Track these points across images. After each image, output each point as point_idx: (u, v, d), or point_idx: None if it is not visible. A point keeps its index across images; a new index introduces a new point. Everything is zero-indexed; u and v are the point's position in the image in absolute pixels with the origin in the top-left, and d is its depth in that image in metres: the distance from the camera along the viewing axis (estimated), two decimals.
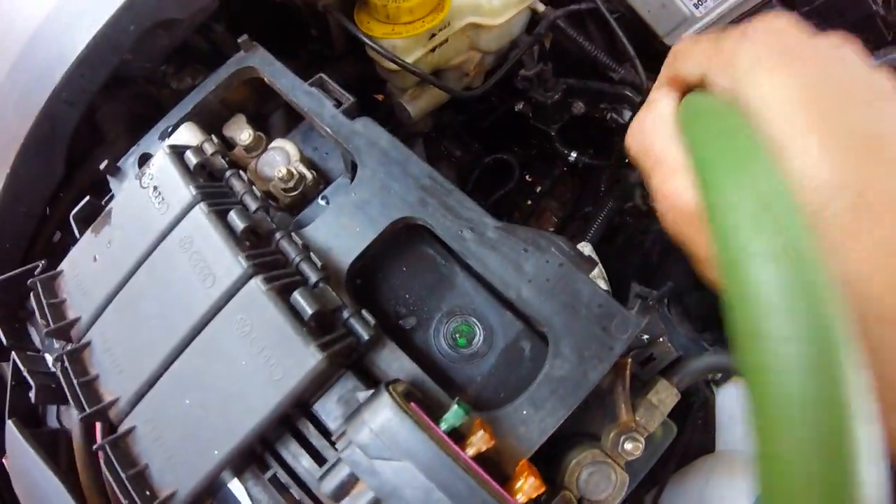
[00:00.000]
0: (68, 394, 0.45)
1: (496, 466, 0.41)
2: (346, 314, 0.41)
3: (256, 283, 0.39)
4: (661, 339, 0.67)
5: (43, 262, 0.56)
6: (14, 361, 0.53)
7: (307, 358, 0.37)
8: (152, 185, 0.46)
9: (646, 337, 0.62)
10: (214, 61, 0.73)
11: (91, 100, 0.56)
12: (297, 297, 0.39)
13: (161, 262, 0.44)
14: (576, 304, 0.44)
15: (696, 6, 0.61)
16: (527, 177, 0.92)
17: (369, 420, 0.35)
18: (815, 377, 0.19)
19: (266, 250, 0.42)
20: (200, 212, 0.43)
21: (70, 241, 0.64)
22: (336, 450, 0.43)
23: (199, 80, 0.71)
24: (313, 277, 0.41)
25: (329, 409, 0.41)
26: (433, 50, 0.70)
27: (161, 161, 0.46)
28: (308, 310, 0.38)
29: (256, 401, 0.38)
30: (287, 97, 0.53)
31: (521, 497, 0.37)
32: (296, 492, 0.43)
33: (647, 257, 0.72)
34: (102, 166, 0.55)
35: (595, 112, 0.74)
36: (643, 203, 0.72)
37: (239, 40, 0.56)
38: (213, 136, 0.50)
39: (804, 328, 0.20)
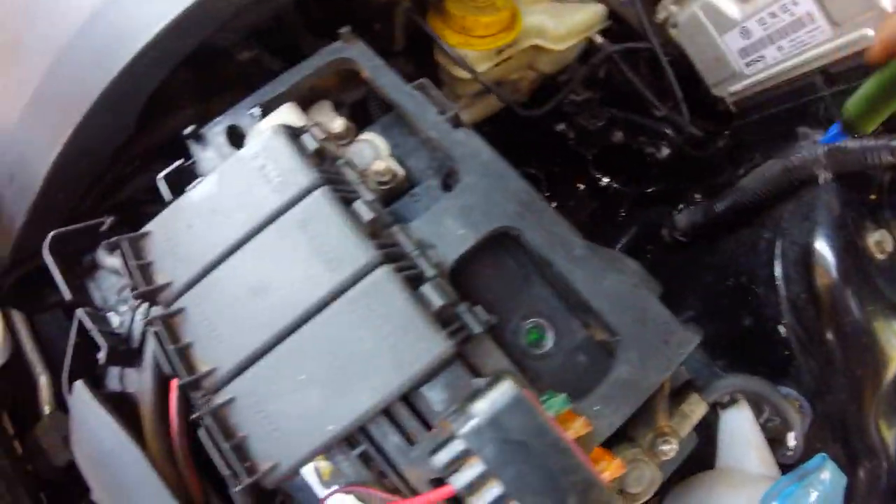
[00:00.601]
0: (162, 360, 0.48)
1: None
2: (461, 308, 0.47)
3: (385, 272, 0.45)
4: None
5: (111, 218, 0.58)
6: (80, 321, 0.54)
7: (436, 345, 0.43)
8: (265, 162, 0.51)
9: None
10: (274, 41, 0.78)
11: (176, 64, 0.59)
12: (428, 288, 0.44)
13: (275, 240, 0.48)
14: (644, 319, 0.52)
15: (747, 65, 0.72)
16: (548, 194, 1.02)
17: (492, 401, 0.42)
18: None
19: (387, 241, 0.48)
20: (324, 196, 0.48)
21: (120, 204, 0.67)
22: (428, 430, 0.50)
23: (254, 54, 0.75)
24: (430, 272, 0.47)
25: (436, 392, 0.46)
26: (497, 65, 0.78)
27: (276, 140, 0.51)
28: (437, 301, 0.44)
29: (380, 381, 0.43)
30: (387, 96, 0.58)
31: (607, 475, 0.45)
32: (383, 468, 0.49)
33: (666, 286, 0.83)
34: (188, 131, 0.57)
35: (633, 143, 0.85)
36: (668, 235, 0.83)
37: (340, 31, 0.61)
38: (318, 123, 0.55)
39: None
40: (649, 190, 0.93)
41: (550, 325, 0.56)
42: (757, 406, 0.74)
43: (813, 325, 0.67)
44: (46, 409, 0.73)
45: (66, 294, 0.54)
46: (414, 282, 0.46)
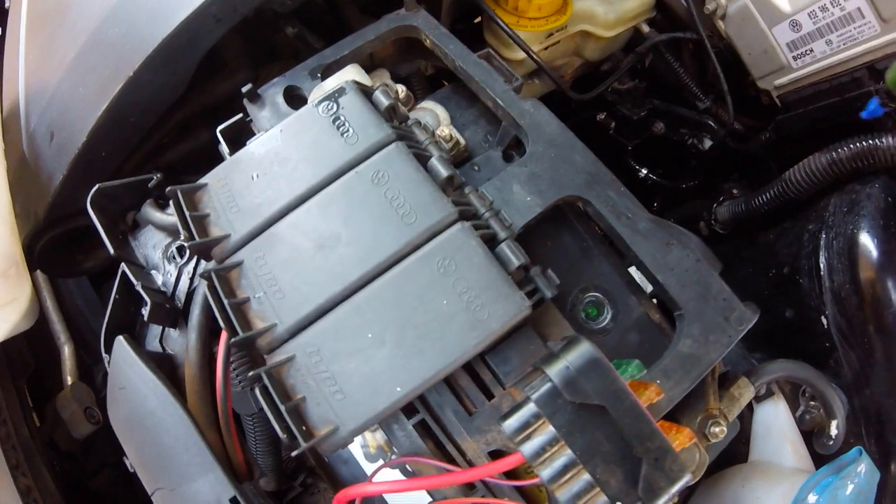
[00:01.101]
0: (218, 315, 0.46)
1: None
2: (533, 271, 0.47)
3: (463, 229, 0.44)
4: None
5: (159, 174, 0.57)
6: (123, 275, 0.53)
7: (514, 304, 0.42)
8: (337, 115, 0.50)
9: None
10: (318, 20, 0.77)
11: (237, 22, 0.58)
12: (505, 248, 0.44)
13: (346, 192, 0.46)
14: (707, 294, 0.52)
15: (795, 59, 0.73)
16: None
17: (570, 362, 0.41)
18: None
19: (461, 197, 0.48)
20: (399, 150, 0.46)
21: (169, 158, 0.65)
22: (489, 398, 0.49)
23: (296, 30, 0.75)
24: (503, 233, 0.47)
25: (506, 356, 0.46)
26: (546, 48, 0.78)
27: (350, 95, 0.50)
28: (515, 261, 0.43)
29: (455, 339, 0.42)
30: (453, 64, 0.58)
31: (678, 444, 0.44)
32: (441, 438, 0.48)
33: None
34: (245, 89, 0.57)
35: (674, 135, 0.85)
36: (706, 227, 0.83)
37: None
38: (387, 83, 0.54)
39: None
40: (684, 185, 0.94)
41: (609, 301, 0.56)
42: (793, 400, 0.74)
43: (855, 317, 0.67)
44: (69, 380, 0.71)
45: (111, 249, 0.52)
46: (489, 241, 0.45)
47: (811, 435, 0.71)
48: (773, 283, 0.73)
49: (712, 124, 0.80)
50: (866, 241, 0.67)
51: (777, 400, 0.74)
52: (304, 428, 0.42)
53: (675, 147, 0.85)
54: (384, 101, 0.50)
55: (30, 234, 0.61)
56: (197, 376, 0.50)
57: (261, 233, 0.48)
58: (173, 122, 0.63)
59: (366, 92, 0.51)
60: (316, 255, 0.46)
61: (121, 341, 0.49)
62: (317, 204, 0.48)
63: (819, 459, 0.71)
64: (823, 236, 0.69)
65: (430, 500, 0.48)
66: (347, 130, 0.48)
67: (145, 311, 0.51)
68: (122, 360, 0.49)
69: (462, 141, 0.57)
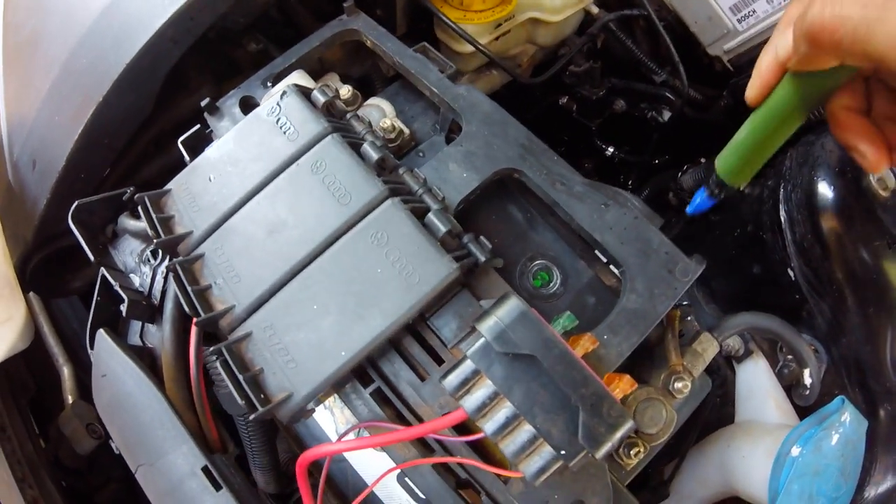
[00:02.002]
0: (182, 300, 0.51)
1: None
2: (465, 238, 0.50)
3: (393, 203, 0.48)
4: (688, 318, 0.80)
5: (131, 188, 0.62)
6: (103, 277, 0.59)
7: (443, 267, 0.46)
8: (279, 116, 0.55)
9: (687, 302, 0.74)
10: (281, 32, 0.83)
11: (192, 42, 0.64)
12: (432, 217, 0.48)
13: (290, 183, 0.52)
14: (648, 249, 0.55)
15: (739, 21, 0.76)
16: None
17: (499, 315, 0.44)
18: None
19: (394, 177, 0.52)
20: (333, 140, 0.51)
21: (145, 174, 0.71)
22: (439, 364, 0.52)
23: (260, 46, 0.81)
24: (435, 206, 0.51)
25: (446, 320, 0.49)
26: (496, 39, 0.82)
27: (289, 96, 0.55)
28: (441, 228, 0.48)
29: (391, 304, 0.46)
30: (391, 59, 0.63)
31: (618, 392, 0.47)
32: (397, 405, 0.52)
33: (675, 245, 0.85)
34: (203, 103, 0.62)
35: (635, 111, 0.88)
36: (675, 197, 0.85)
37: (345, 4, 0.65)
38: (326, 84, 0.59)
39: None
40: (656, 161, 0.96)
41: (557, 267, 0.59)
42: (772, 356, 0.75)
43: (821, 267, 0.68)
44: (69, 399, 0.76)
45: (91, 255, 0.58)
46: (422, 214, 0.49)
47: (793, 388, 0.72)
48: (739, 242, 0.75)
49: (669, 96, 0.83)
50: (824, 189, 0.69)
51: (757, 358, 0.76)
52: (262, 396, 0.47)
53: (637, 123, 0.87)
54: (321, 99, 0.55)
55: (20, 257, 0.68)
56: (172, 363, 0.55)
57: (219, 227, 0.54)
58: (145, 141, 0.70)
59: (305, 93, 0.55)
60: (266, 240, 0.51)
61: (101, 333, 0.55)
62: (265, 196, 0.53)
63: (804, 414, 0.72)
64: (782, 190, 0.71)
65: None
66: (289, 129, 0.53)
67: (124, 308, 0.56)
68: (103, 349, 0.55)
69: (406, 130, 0.62)
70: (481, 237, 0.51)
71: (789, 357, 0.73)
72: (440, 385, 0.52)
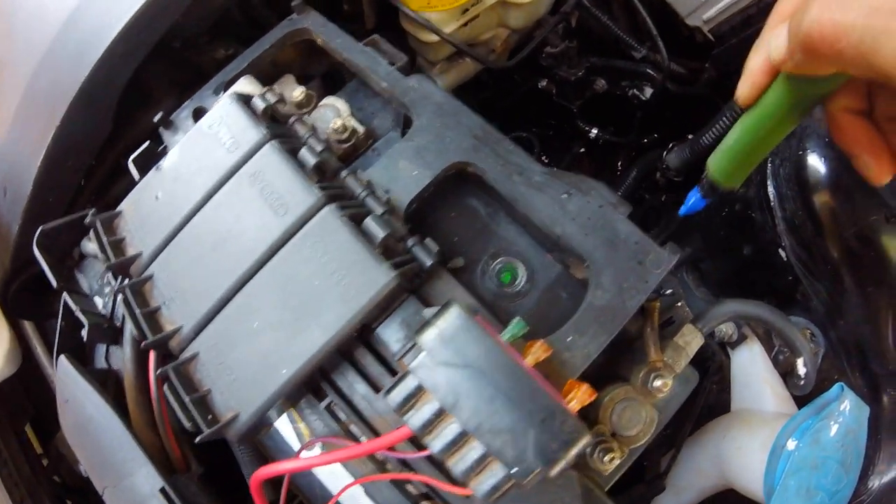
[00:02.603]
0: (130, 324, 0.49)
1: None
2: (410, 242, 0.47)
3: (330, 211, 0.45)
4: (679, 304, 0.75)
5: (93, 209, 0.61)
6: (65, 302, 0.57)
7: (380, 276, 0.43)
8: (220, 128, 0.52)
9: (670, 291, 0.69)
10: (248, 34, 0.80)
11: (145, 55, 0.62)
12: (370, 222, 0.44)
13: (230, 196, 0.49)
14: (615, 240, 0.50)
15: None
16: (544, 157, 1.00)
17: (441, 326, 0.40)
18: None
19: (334, 184, 0.48)
20: (272, 148, 0.48)
21: (110, 201, 0.70)
22: (393, 375, 0.49)
23: (230, 51, 0.78)
24: (379, 210, 0.47)
25: (392, 330, 0.46)
26: (465, 25, 0.77)
27: (228, 106, 0.52)
28: (379, 234, 0.44)
29: (330, 318, 0.43)
30: (342, 56, 0.59)
31: (574, 404, 0.43)
32: (351, 420, 0.49)
33: (665, 229, 0.79)
34: (157, 118, 0.60)
35: (616, 90, 0.82)
36: (662, 177, 0.79)
37: (293, 3, 0.62)
38: (273, 88, 0.56)
39: None
40: (645, 140, 0.90)
41: (522, 263, 0.55)
42: (767, 341, 0.69)
43: (814, 245, 0.62)
44: None
45: (54, 282, 0.56)
46: (360, 220, 0.45)
47: (789, 375, 0.67)
48: (727, 221, 0.70)
49: (650, 72, 0.77)
50: (815, 162, 0.63)
51: (751, 343, 0.71)
52: (209, 416, 0.45)
53: (620, 102, 0.82)
54: (261, 106, 0.51)
55: (0, 284, 0.67)
56: (133, 385, 0.53)
57: (166, 246, 0.51)
58: (112, 159, 0.68)
59: (246, 100, 0.52)
60: (210, 257, 0.49)
61: (62, 359, 0.54)
62: (208, 211, 0.51)
63: (803, 401, 0.66)
64: (770, 165, 0.65)
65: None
66: (229, 139, 0.51)
67: (84, 332, 0.54)
68: (65, 375, 0.54)
69: (360, 129, 0.58)
70: (427, 239, 0.47)
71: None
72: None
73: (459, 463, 0.41)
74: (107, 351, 0.58)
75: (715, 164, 0.43)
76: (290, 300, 0.45)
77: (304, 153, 0.48)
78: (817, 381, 0.66)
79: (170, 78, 0.72)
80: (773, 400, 0.67)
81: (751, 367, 0.70)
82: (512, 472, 0.40)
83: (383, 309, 0.46)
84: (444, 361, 0.41)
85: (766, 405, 0.68)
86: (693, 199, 0.47)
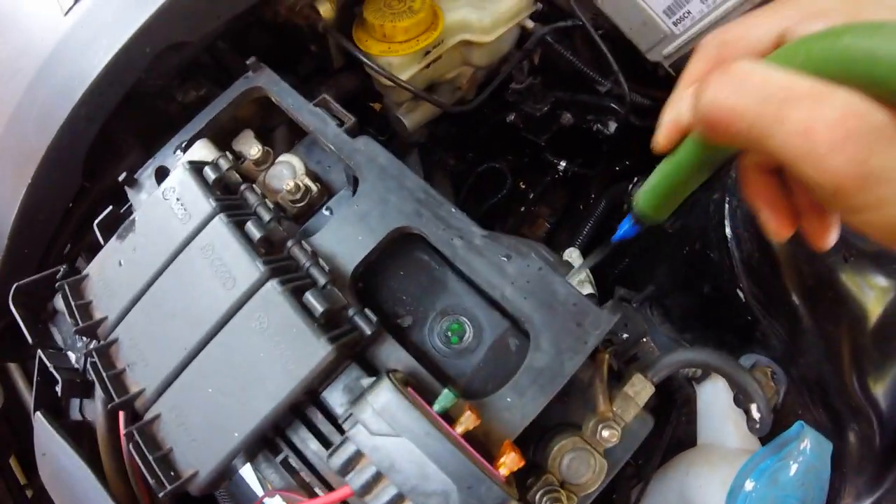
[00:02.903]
0: (98, 385, 0.53)
1: (484, 448, 0.50)
2: (351, 312, 0.49)
3: (273, 285, 0.48)
4: (644, 340, 0.76)
5: (64, 266, 0.64)
6: (40, 359, 0.61)
7: (318, 349, 0.46)
8: (174, 198, 0.55)
9: (625, 336, 0.71)
10: (217, 75, 0.83)
11: (108, 115, 0.65)
12: (309, 297, 0.47)
13: (184, 267, 0.52)
14: (553, 302, 0.52)
15: (675, 24, 0.70)
16: (521, 184, 1.02)
17: (372, 401, 0.44)
18: None
19: (279, 257, 0.51)
20: (220, 222, 0.51)
21: (84, 249, 0.74)
22: (342, 433, 0.52)
23: (202, 92, 0.80)
24: (322, 280, 0.50)
25: (336, 396, 0.49)
26: (427, 66, 0.79)
27: (182, 176, 0.55)
28: (319, 308, 0.47)
29: (273, 387, 0.47)
30: (293, 115, 0.62)
31: (503, 470, 0.45)
32: (305, 474, 0.52)
33: (632, 262, 0.81)
34: (121, 178, 0.63)
35: (583, 123, 0.83)
36: (629, 208, 0.80)
37: (248, 62, 0.64)
38: (227, 153, 0.59)
39: None
40: (617, 168, 0.91)
41: (469, 320, 0.57)
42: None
43: (772, 286, 0.64)
44: None
45: (29, 338, 0.60)
46: (302, 292, 0.48)
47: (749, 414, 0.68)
48: (688, 260, 0.71)
49: (614, 105, 0.78)
50: None
51: (715, 379, 0.72)
52: (171, 473, 0.49)
53: (587, 135, 0.83)
54: (211, 176, 0.54)
55: None
56: (105, 438, 0.57)
57: (128, 312, 0.54)
58: (82, 211, 0.71)
59: (198, 169, 0.55)
60: (167, 325, 0.52)
61: (38, 416, 0.58)
62: (165, 279, 0.54)
63: (767, 437, 0.68)
64: (727, 205, 0.66)
65: None
66: (182, 211, 0.53)
67: (59, 388, 0.58)
68: (41, 431, 0.58)
69: (314, 188, 0.61)
70: (367, 310, 0.50)
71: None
72: None
73: None
74: (81, 403, 0.62)
75: (642, 198, 0.45)
76: (238, 369, 0.48)
77: (251, 227, 0.51)
78: (780, 416, 0.67)
79: (137, 128, 0.75)
80: (737, 436, 0.69)
81: (714, 402, 0.72)
82: None
83: (326, 376, 0.49)
84: (378, 432, 0.43)
85: (729, 441, 0.70)
86: (625, 228, 0.49)
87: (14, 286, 0.62)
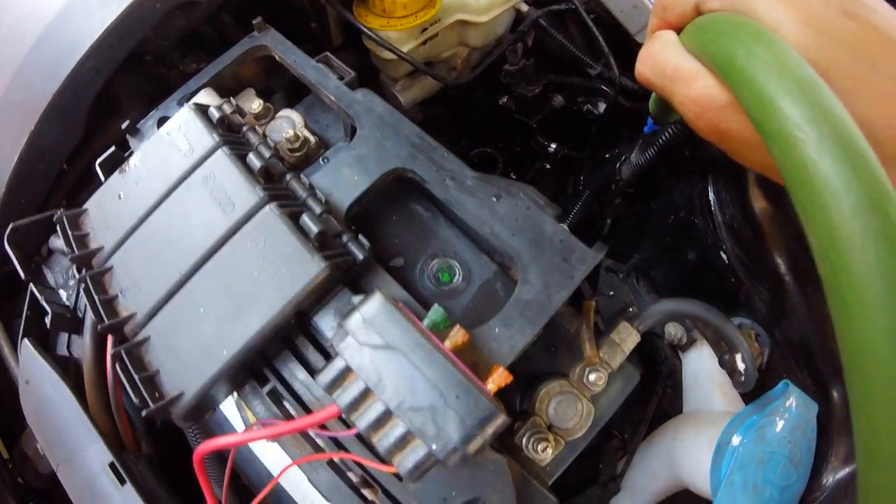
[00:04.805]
0: (89, 309, 0.56)
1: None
2: (345, 238, 0.54)
3: (271, 209, 0.52)
4: (630, 309, 0.81)
5: (62, 209, 0.68)
6: (31, 292, 0.64)
7: (312, 266, 0.50)
8: (178, 134, 0.60)
9: (612, 293, 0.75)
10: (219, 49, 0.89)
11: (114, 70, 0.70)
12: (305, 218, 0.51)
13: (184, 197, 0.56)
14: (541, 239, 0.57)
15: None
16: (511, 174, 1.07)
17: (362, 311, 0.47)
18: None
19: (278, 186, 0.56)
20: (223, 154, 0.56)
21: (86, 195, 0.77)
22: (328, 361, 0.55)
23: (203, 65, 0.86)
24: (318, 209, 0.54)
25: (327, 319, 0.53)
26: (424, 43, 0.85)
27: (186, 115, 0.60)
28: (314, 229, 0.51)
29: (266, 305, 0.50)
30: (296, 71, 0.67)
31: (491, 385, 0.48)
32: (291, 405, 0.55)
33: (619, 237, 0.86)
34: (124, 126, 0.68)
35: (573, 105, 0.90)
36: (616, 189, 0.86)
37: (254, 22, 0.70)
38: (231, 99, 0.64)
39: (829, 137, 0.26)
40: (608, 155, 0.97)
41: (459, 263, 0.61)
42: (717, 343, 0.75)
43: (754, 248, 0.68)
44: None
45: (22, 273, 0.63)
46: (297, 217, 0.52)
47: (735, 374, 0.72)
48: (674, 228, 0.76)
49: (604, 88, 0.84)
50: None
51: (700, 346, 0.76)
52: (156, 395, 0.52)
53: (577, 118, 0.89)
54: (216, 115, 0.59)
55: None
56: (91, 369, 0.60)
57: (125, 241, 0.58)
58: (82, 165, 0.76)
59: (203, 110, 0.60)
60: (163, 252, 0.56)
61: (26, 342, 0.61)
62: (163, 211, 0.58)
63: (751, 399, 0.71)
64: (711, 170, 0.71)
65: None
66: (185, 146, 0.58)
67: (48, 320, 0.61)
68: (27, 358, 0.60)
69: (312, 139, 0.66)
70: (360, 236, 0.54)
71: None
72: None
73: (384, 440, 0.47)
74: (69, 340, 0.65)
75: (651, 106, 0.62)
76: (232, 289, 0.52)
77: (252, 158, 0.55)
78: (765, 379, 0.71)
79: (139, 90, 0.80)
80: (722, 400, 0.72)
81: (700, 369, 0.76)
82: (433, 448, 0.45)
83: (318, 298, 0.52)
84: (367, 343, 0.47)
85: (715, 405, 0.73)
86: (650, 125, 0.68)
87: (10, 225, 0.66)
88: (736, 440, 0.63)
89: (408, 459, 0.46)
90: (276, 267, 0.51)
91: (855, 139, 0.26)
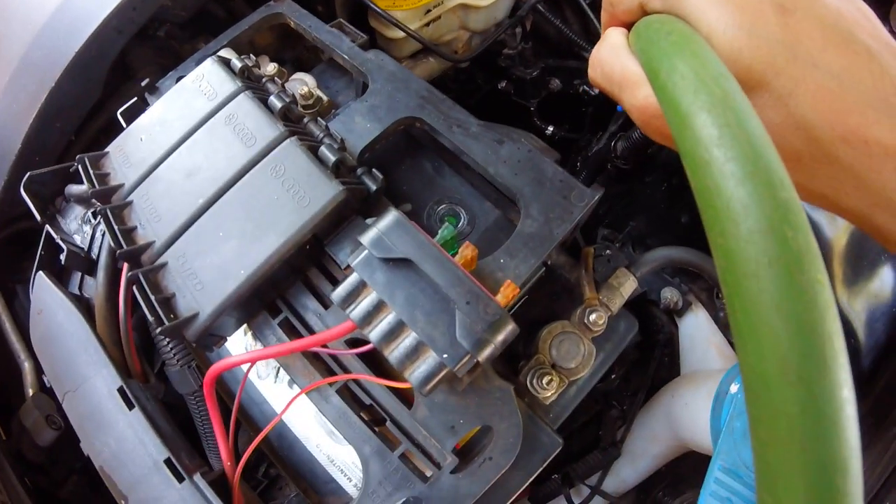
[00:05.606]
0: (111, 239, 0.61)
1: None
2: (359, 171, 0.60)
3: (291, 142, 0.59)
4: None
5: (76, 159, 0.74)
6: (46, 232, 0.69)
7: (330, 189, 0.56)
8: (201, 82, 0.66)
9: (608, 252, 0.81)
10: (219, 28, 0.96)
11: (134, 32, 0.77)
12: (324, 149, 0.58)
13: (207, 135, 0.62)
14: (542, 178, 0.63)
15: None
16: None
17: (378, 225, 0.53)
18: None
19: (297, 125, 0.62)
20: (245, 97, 0.63)
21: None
22: None
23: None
24: (335, 146, 0.61)
25: (341, 246, 0.58)
26: (427, 24, 0.94)
27: (210, 65, 0.67)
28: (332, 158, 0.57)
29: (285, 225, 0.56)
30: (311, 35, 0.75)
31: (500, 297, 0.54)
32: (303, 333, 0.60)
33: (616, 214, 0.93)
34: (144, 83, 0.74)
35: (570, 89, 0.98)
36: (612, 167, 0.93)
37: None
38: (250, 55, 0.71)
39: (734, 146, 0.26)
40: (602, 133, 1.05)
41: (464, 209, 0.68)
42: (710, 304, 0.81)
43: None
44: (30, 392, 0.84)
45: (38, 217, 0.68)
46: (317, 150, 0.58)
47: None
48: (667, 194, 0.83)
49: None
50: None
51: (696, 309, 0.82)
52: (171, 316, 0.56)
53: (574, 100, 0.97)
54: (238, 65, 0.66)
55: None
56: (103, 304, 0.64)
57: (146, 177, 0.64)
58: (96, 126, 0.82)
59: (225, 62, 0.67)
60: (184, 184, 0.61)
61: (41, 275, 0.65)
62: (186, 148, 0.63)
63: None
64: None
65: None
66: (209, 91, 0.64)
67: (63, 257, 0.66)
68: (40, 288, 0.65)
69: (324, 98, 0.73)
70: (374, 170, 0.60)
71: (724, 300, 0.78)
72: (342, 312, 0.60)
73: (396, 352, 0.52)
74: (81, 281, 0.70)
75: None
76: (251, 213, 0.57)
77: (273, 99, 0.62)
78: None
79: (154, 60, 0.87)
80: (719, 358, 0.78)
81: (697, 331, 0.82)
82: (443, 357, 0.50)
83: (334, 224, 0.58)
84: (380, 253, 0.52)
85: (712, 364, 0.78)
86: None
87: (28, 174, 0.71)
88: (734, 388, 0.66)
89: (419, 370, 0.51)
90: (296, 191, 0.57)
91: (762, 163, 0.26)
